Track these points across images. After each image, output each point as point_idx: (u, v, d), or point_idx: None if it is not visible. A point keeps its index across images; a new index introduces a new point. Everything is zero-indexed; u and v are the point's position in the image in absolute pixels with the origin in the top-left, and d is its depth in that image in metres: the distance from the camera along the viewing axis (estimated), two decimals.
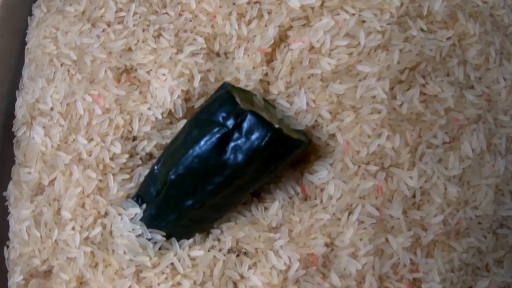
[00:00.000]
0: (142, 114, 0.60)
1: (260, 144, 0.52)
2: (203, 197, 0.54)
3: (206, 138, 0.53)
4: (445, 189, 0.55)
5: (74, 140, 0.60)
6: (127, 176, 0.59)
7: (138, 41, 0.62)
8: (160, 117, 0.59)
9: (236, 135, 0.53)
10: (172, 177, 0.54)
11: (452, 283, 0.54)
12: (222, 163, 0.53)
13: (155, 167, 0.58)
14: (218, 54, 0.62)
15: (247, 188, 0.55)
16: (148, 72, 0.61)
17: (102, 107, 0.60)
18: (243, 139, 0.53)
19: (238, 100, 0.54)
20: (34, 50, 0.66)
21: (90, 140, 0.60)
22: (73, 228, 0.58)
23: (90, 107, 0.60)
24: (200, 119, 0.56)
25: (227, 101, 0.54)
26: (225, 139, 0.53)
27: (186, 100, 0.60)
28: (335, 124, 0.57)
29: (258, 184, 0.56)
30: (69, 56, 0.63)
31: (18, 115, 0.65)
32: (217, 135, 0.53)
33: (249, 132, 0.52)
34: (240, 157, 0.52)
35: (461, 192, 0.55)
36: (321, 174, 0.57)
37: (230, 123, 0.53)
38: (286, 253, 0.55)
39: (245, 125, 0.53)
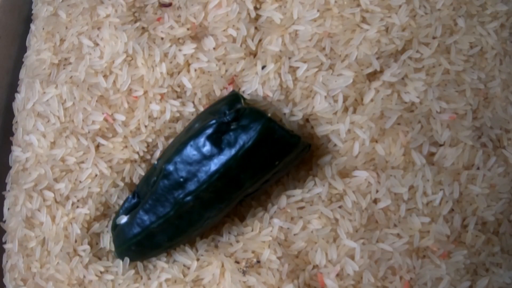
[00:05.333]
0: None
1: (253, 133, 0.53)
2: (193, 188, 0.54)
3: (205, 126, 0.54)
4: (442, 190, 0.55)
5: (72, 144, 0.61)
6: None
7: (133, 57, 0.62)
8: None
9: (233, 126, 0.54)
10: (167, 166, 0.55)
11: (451, 283, 0.54)
12: (216, 151, 0.53)
13: (155, 162, 0.58)
14: None
15: (240, 186, 0.55)
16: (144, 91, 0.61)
17: (110, 125, 0.61)
18: (239, 130, 0.53)
19: (242, 101, 0.55)
20: (32, 52, 0.66)
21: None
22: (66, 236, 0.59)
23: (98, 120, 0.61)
24: (205, 114, 0.57)
25: (232, 100, 0.56)
26: (222, 128, 0.54)
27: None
28: (330, 128, 0.57)
29: (254, 186, 0.55)
30: (68, 58, 0.64)
31: (17, 117, 0.65)
32: (215, 124, 0.54)
33: (246, 123, 0.53)
34: (234, 145, 0.53)
35: (457, 192, 0.55)
36: (317, 178, 0.57)
37: (230, 116, 0.54)
38: (282, 254, 0.55)
39: (243, 117, 0.54)
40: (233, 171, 0.53)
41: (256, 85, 0.60)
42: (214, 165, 0.53)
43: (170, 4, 0.63)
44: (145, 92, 0.61)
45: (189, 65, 0.61)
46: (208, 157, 0.53)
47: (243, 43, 0.60)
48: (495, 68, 0.59)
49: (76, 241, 0.59)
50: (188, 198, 0.54)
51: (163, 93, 0.61)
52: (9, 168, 0.65)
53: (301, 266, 0.55)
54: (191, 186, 0.54)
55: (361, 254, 0.54)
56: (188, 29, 0.62)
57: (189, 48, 0.61)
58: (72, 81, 0.62)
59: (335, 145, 0.58)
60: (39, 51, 0.65)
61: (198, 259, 0.57)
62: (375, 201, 0.55)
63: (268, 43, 0.60)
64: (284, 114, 0.59)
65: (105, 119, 0.61)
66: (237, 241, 0.57)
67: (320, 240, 0.55)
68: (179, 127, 0.61)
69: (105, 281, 0.58)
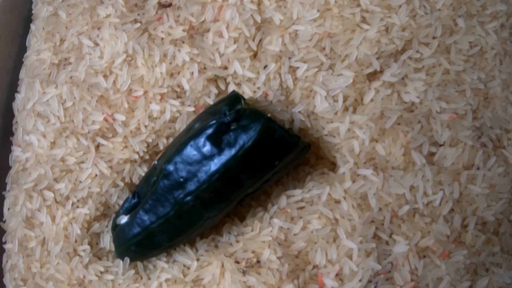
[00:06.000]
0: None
1: (253, 133, 0.53)
2: (194, 188, 0.54)
3: (205, 126, 0.54)
4: (442, 190, 0.55)
5: (72, 144, 0.61)
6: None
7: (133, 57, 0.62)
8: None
9: (233, 126, 0.54)
10: (167, 166, 0.55)
11: (451, 283, 0.54)
12: (216, 151, 0.53)
13: (155, 162, 0.58)
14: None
15: (241, 186, 0.55)
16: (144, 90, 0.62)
17: (110, 125, 0.61)
18: (239, 130, 0.53)
19: (243, 102, 0.56)
20: (32, 53, 0.66)
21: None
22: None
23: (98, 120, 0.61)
24: (205, 114, 0.57)
25: (232, 100, 0.56)
26: (222, 128, 0.54)
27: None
28: (330, 127, 0.58)
29: (254, 185, 0.56)
30: (68, 58, 0.64)
31: (17, 117, 0.65)
32: (215, 124, 0.54)
33: (245, 123, 0.53)
34: (234, 145, 0.53)
35: (457, 192, 0.55)
36: (316, 178, 0.57)
37: (230, 116, 0.54)
38: (282, 254, 0.55)
39: (243, 118, 0.54)
40: (233, 171, 0.53)
41: (258, 85, 0.60)
42: (214, 165, 0.53)
43: (170, 5, 0.63)
44: (145, 92, 0.61)
45: (188, 65, 0.61)
46: (208, 157, 0.53)
47: (245, 43, 0.61)
48: (495, 68, 0.59)
49: (76, 241, 0.59)
50: (188, 198, 0.54)
51: (163, 93, 0.61)
52: (9, 168, 0.65)
53: (301, 266, 0.55)
54: (191, 186, 0.54)
55: (360, 254, 0.54)
56: (186, 29, 0.62)
57: (189, 48, 0.61)
58: (72, 81, 0.62)
59: (335, 144, 0.58)
60: (39, 51, 0.65)
61: (198, 259, 0.57)
62: (373, 202, 0.55)
63: (268, 43, 0.60)
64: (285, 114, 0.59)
65: (105, 119, 0.61)
66: (237, 241, 0.57)
67: (320, 240, 0.55)
68: (178, 127, 0.61)
69: (105, 281, 0.58)
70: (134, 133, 0.61)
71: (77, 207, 0.60)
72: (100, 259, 0.59)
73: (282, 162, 0.55)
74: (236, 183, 0.54)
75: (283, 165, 0.56)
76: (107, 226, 0.60)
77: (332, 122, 0.58)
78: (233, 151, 0.53)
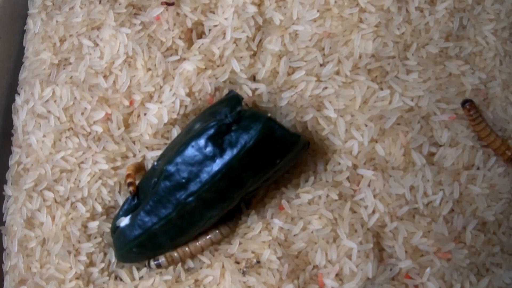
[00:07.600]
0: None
1: (255, 133, 0.53)
2: (196, 188, 0.54)
3: (206, 127, 0.54)
4: (442, 190, 0.55)
5: (72, 144, 0.61)
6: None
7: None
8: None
9: (234, 127, 0.54)
10: (168, 167, 0.55)
11: (452, 283, 0.54)
12: (218, 152, 0.53)
13: (155, 163, 0.58)
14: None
15: (242, 185, 0.55)
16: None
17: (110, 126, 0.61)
18: (240, 130, 0.53)
19: (243, 102, 0.56)
20: (31, 53, 0.66)
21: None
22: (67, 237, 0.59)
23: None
24: (204, 115, 0.57)
25: (232, 101, 0.56)
26: (223, 129, 0.54)
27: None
28: (330, 127, 0.57)
29: (256, 184, 0.56)
30: (68, 58, 0.64)
31: (17, 117, 0.65)
32: (216, 125, 0.54)
33: (246, 123, 0.53)
34: (235, 145, 0.53)
35: (457, 192, 0.55)
36: (316, 178, 0.57)
37: (231, 118, 0.54)
38: (282, 254, 0.55)
39: (244, 119, 0.54)
40: (235, 171, 0.53)
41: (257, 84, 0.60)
42: (216, 165, 0.53)
43: (173, 3, 0.63)
44: (144, 93, 0.61)
45: (189, 66, 0.61)
46: (210, 158, 0.53)
47: (245, 43, 0.61)
48: (495, 68, 0.59)
49: (76, 241, 0.59)
50: (190, 198, 0.54)
51: (162, 94, 0.61)
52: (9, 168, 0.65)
53: (301, 266, 0.55)
54: (193, 186, 0.54)
55: (359, 254, 0.54)
56: (186, 30, 0.62)
57: (189, 48, 0.61)
58: (72, 81, 0.62)
59: (334, 145, 0.58)
60: (39, 51, 0.65)
61: (198, 260, 0.57)
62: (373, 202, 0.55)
63: (268, 43, 0.60)
64: (284, 114, 0.59)
65: (105, 120, 0.61)
66: (237, 241, 0.57)
67: (320, 241, 0.55)
68: (177, 128, 0.61)
69: (105, 281, 0.58)
70: (134, 134, 0.61)
71: (77, 207, 0.60)
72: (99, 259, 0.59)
73: (283, 160, 0.55)
74: (238, 182, 0.54)
75: (283, 163, 0.56)
76: (108, 223, 0.60)
77: (331, 121, 0.58)
78: (235, 151, 0.53)
